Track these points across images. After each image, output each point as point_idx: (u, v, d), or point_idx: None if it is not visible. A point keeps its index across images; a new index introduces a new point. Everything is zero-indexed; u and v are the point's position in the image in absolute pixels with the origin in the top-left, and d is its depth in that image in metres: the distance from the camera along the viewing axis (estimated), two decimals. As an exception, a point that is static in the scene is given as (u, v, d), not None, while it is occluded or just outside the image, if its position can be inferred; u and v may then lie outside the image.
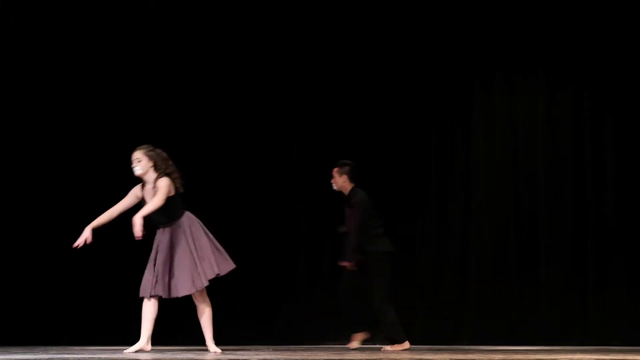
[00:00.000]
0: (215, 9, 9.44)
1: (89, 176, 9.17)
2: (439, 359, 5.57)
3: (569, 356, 5.97)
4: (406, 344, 7.47)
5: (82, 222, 8.76)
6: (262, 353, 6.22)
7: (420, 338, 8.70)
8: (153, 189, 6.47)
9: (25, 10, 9.17)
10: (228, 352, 6.59)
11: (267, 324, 9.13)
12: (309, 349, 7.37)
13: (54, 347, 7.36)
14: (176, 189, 6.51)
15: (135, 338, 6.49)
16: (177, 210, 6.54)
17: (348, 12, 9.43)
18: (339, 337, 8.59)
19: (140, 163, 6.50)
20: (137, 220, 6.19)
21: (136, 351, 6.37)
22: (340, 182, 7.61)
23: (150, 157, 6.51)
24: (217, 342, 7.78)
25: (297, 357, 5.48)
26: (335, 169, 7.63)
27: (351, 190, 7.59)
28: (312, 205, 9.25)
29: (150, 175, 6.50)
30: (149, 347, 6.45)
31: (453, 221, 9.41)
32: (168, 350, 6.84)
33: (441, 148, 9.53)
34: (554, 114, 9.39)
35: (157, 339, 6.69)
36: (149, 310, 6.44)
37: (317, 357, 5.48)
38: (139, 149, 6.54)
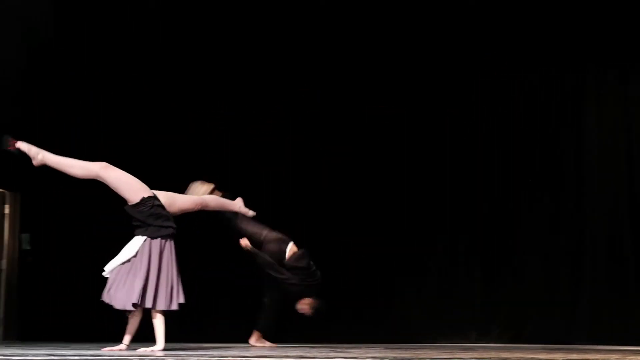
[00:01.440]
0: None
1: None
2: (553, 358, 5.48)
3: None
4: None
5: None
6: (372, 351, 6.21)
7: (534, 336, 8.78)
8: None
9: (25, 10, 9.15)
10: (339, 349, 6.59)
11: (378, 321, 9.01)
12: (420, 347, 7.37)
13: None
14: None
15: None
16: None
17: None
18: (449, 335, 8.83)
19: None
20: None
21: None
22: None
23: None
24: (326, 340, 8.00)
25: (407, 356, 5.47)
26: None
27: None
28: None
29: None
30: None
31: (567, 219, 9.32)
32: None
33: (556, 143, 9.48)
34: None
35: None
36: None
37: (428, 356, 5.44)
38: None
